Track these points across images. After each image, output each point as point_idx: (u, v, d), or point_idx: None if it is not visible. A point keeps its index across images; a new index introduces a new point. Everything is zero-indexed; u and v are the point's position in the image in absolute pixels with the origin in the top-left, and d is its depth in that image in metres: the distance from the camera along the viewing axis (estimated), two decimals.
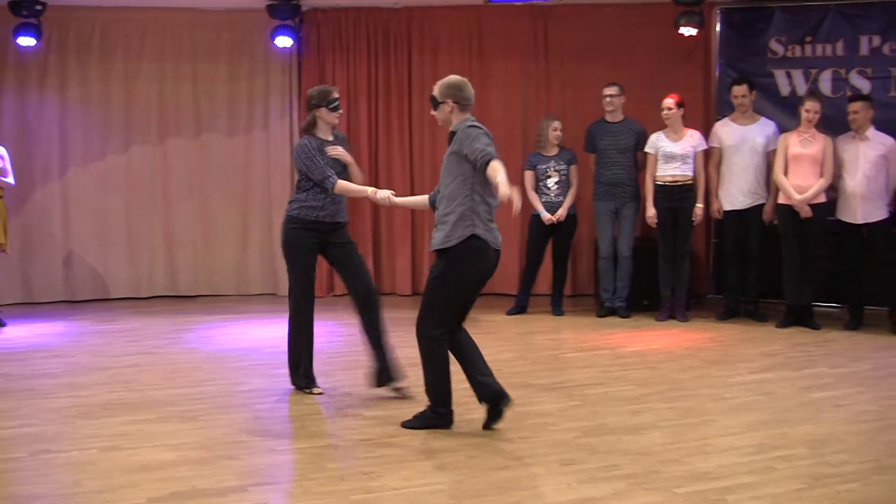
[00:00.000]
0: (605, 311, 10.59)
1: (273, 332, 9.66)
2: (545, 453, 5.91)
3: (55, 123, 11.46)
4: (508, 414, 6.46)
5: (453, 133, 6.24)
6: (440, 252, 6.21)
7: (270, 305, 11.31)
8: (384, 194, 6.80)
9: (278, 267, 11.78)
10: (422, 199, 6.70)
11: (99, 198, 11.57)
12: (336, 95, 7.22)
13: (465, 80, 6.41)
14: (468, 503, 5.11)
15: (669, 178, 10.08)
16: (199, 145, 11.78)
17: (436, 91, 6.36)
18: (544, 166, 10.45)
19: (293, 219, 7.16)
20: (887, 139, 9.57)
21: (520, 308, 10.77)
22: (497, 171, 5.84)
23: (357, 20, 11.70)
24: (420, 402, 6.56)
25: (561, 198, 10.45)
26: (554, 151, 10.51)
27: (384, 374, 7.21)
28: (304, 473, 5.59)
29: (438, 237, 6.20)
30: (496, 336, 9.47)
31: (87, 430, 6.36)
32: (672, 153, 10.05)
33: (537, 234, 10.58)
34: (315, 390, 7.25)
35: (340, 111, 7.35)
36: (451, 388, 6.36)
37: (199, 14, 11.58)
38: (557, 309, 10.71)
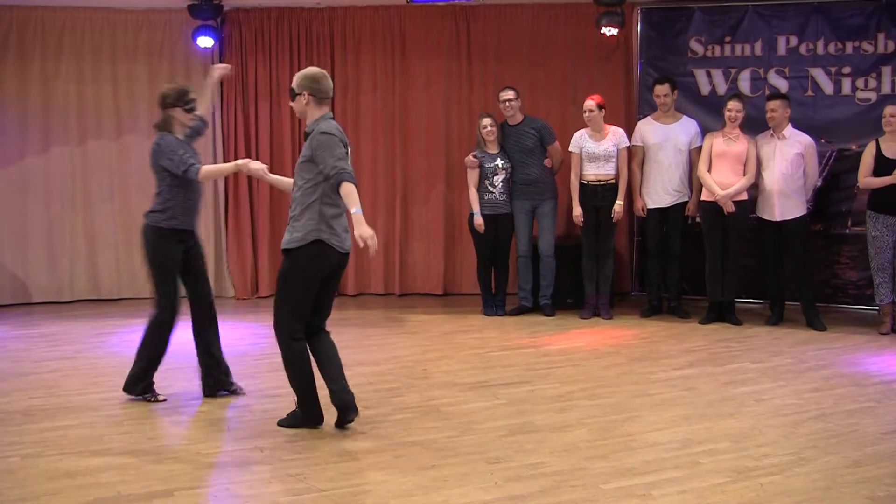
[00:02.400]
0: (519, 308, 10.59)
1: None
2: (471, 452, 5.93)
3: None
4: (434, 413, 6.48)
5: (307, 134, 6.25)
6: (285, 251, 6.26)
7: None
8: (258, 166, 6.90)
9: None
10: (290, 181, 6.58)
11: (18, 200, 11.33)
12: (193, 96, 7.10)
13: (325, 72, 6.47)
14: (394, 503, 5.12)
15: (592, 177, 10.13)
16: (119, 147, 11.56)
17: (294, 82, 6.43)
18: (491, 164, 10.34)
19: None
20: (804, 137, 9.73)
21: (512, 309, 10.67)
22: (352, 201, 5.96)
23: (279, 20, 11.60)
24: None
25: (504, 196, 10.38)
26: (496, 149, 10.42)
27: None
28: (230, 477, 5.56)
29: (286, 238, 6.26)
30: (421, 336, 9.45)
31: (7, 438, 6.25)
32: (595, 154, 10.11)
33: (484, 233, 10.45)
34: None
35: (196, 113, 7.22)
36: (314, 389, 6.38)
37: (118, 14, 11.39)
38: (501, 309, 10.61)
